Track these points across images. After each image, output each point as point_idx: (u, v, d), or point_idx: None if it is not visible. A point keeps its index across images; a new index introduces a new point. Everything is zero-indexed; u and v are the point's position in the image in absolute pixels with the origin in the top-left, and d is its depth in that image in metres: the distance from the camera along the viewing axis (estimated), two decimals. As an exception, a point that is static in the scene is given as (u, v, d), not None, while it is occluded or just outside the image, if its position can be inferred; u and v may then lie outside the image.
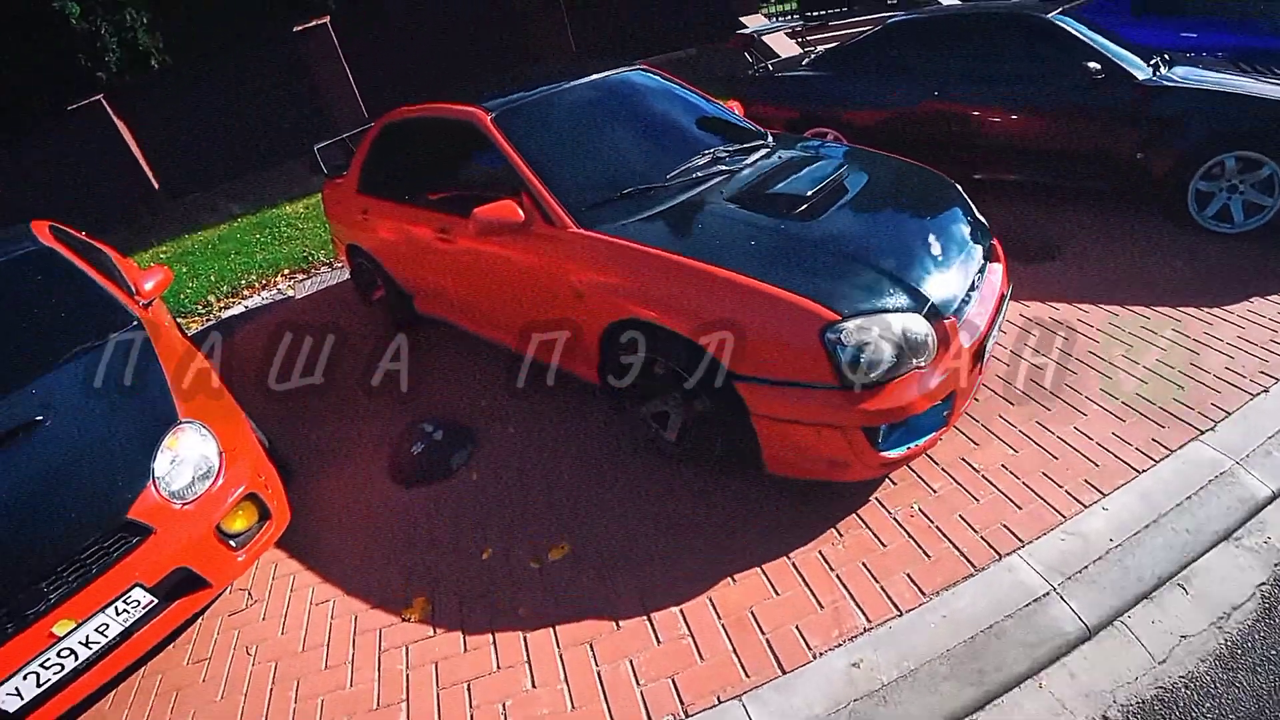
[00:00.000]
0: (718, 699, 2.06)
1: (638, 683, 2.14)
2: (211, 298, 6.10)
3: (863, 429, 2.27)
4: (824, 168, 3.03)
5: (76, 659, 2.36)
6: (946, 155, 4.50)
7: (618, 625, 2.31)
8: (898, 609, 2.22)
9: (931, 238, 2.67)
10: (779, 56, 7.22)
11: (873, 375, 2.22)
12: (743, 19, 9.92)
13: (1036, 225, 4.42)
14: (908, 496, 2.59)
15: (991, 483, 2.59)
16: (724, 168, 3.11)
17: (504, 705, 2.16)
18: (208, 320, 5.83)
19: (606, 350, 2.83)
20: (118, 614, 2.41)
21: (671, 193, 2.94)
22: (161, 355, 3.07)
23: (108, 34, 8.97)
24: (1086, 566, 2.28)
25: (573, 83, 3.54)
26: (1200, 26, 5.77)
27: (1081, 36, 4.30)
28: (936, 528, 2.45)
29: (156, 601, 2.49)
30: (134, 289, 3.64)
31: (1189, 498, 2.44)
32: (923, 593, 2.26)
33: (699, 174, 3.05)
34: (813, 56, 5.91)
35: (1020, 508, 2.48)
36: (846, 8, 10.56)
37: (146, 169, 9.73)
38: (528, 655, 2.29)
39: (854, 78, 5.20)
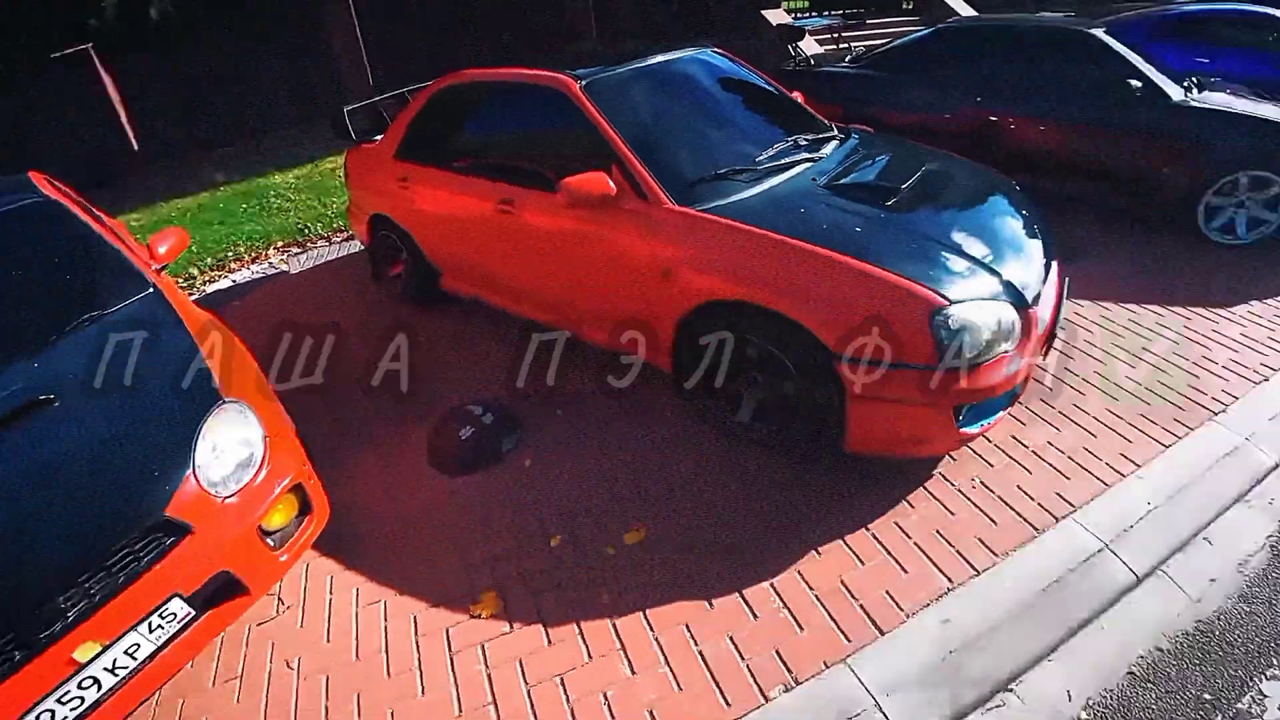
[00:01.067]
0: (825, 664, 2.07)
1: (741, 658, 2.12)
2: (194, 270, 5.55)
3: (952, 407, 2.37)
4: (904, 160, 3.17)
5: (100, 689, 1.99)
6: (982, 161, 4.72)
7: (710, 605, 2.29)
8: (975, 569, 2.32)
9: (1012, 231, 2.83)
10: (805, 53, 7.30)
11: (969, 358, 2.32)
12: (764, 12, 9.89)
13: (1061, 230, 4.70)
14: (968, 471, 2.72)
15: (1041, 457, 2.77)
16: (807, 154, 3.15)
17: (605, 695, 2.08)
18: (191, 294, 5.29)
19: (683, 335, 2.80)
20: (151, 631, 2.08)
21: (762, 176, 2.94)
22: (188, 324, 2.75)
23: None
24: (1131, 526, 2.48)
25: (657, 58, 3.48)
26: (1214, 53, 6.36)
27: (1126, 54, 4.59)
28: (998, 497, 2.59)
29: (194, 614, 2.20)
30: (148, 251, 3.25)
31: (1208, 469, 2.72)
32: (995, 554, 2.37)
33: (788, 159, 3.08)
34: (855, 54, 6.09)
35: (1068, 478, 2.66)
36: (865, 9, 10.94)
37: (128, 127, 8.75)
38: (620, 642, 2.22)
39: (901, 78, 5.33)
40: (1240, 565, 2.44)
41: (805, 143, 3.26)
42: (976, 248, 2.60)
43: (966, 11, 10.19)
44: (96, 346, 2.61)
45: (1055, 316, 2.77)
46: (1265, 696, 2.02)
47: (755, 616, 2.23)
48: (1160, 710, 1.99)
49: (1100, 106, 4.56)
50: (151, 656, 2.09)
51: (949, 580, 2.30)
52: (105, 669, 1.99)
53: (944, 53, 5.35)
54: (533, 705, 2.09)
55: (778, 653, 2.12)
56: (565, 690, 2.12)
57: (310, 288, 5.17)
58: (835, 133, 3.50)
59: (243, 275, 5.65)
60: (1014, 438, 2.88)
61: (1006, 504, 2.56)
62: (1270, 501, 2.65)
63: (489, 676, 2.20)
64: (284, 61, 9.10)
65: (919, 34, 5.66)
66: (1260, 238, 4.35)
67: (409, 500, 2.94)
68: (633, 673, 2.13)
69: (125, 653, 2.03)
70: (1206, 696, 2.03)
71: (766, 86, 3.81)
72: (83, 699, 1.96)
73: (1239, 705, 2.00)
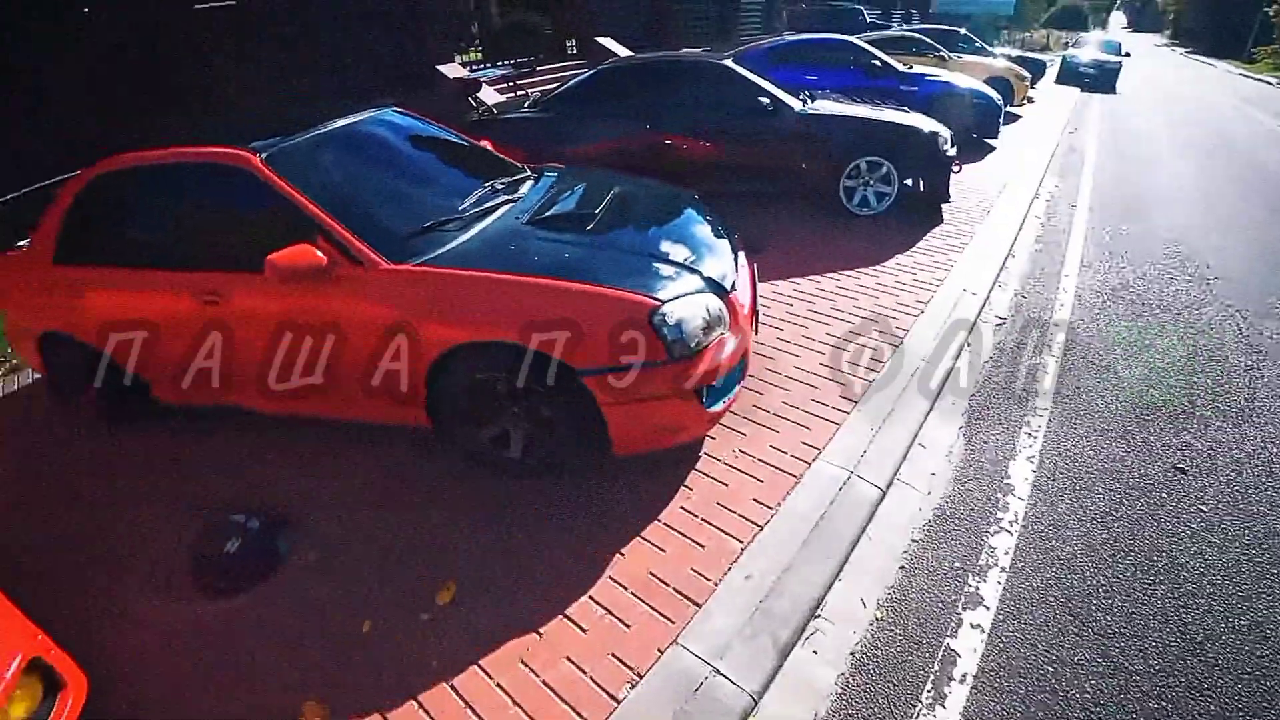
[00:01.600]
0: (659, 651, 2.25)
1: (583, 672, 2.21)
2: None
3: (695, 392, 2.69)
4: (595, 188, 3.51)
5: None
6: (661, 177, 5.35)
7: (539, 634, 2.34)
8: (758, 525, 2.69)
9: (701, 234, 3.30)
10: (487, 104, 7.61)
11: (693, 346, 2.66)
12: (440, 67, 9.97)
13: (741, 228, 5.47)
14: (728, 445, 3.12)
15: (781, 417, 3.30)
16: (505, 196, 3.34)
17: (456, 755, 2.06)
18: None
19: (434, 387, 2.83)
20: None
21: (468, 222, 3.06)
22: None
23: None
24: (864, 451, 3.04)
25: (338, 122, 3.41)
26: (815, 71, 8.46)
27: (752, 79, 5.94)
28: (758, 459, 3.02)
29: None
30: None
31: (904, 389, 3.52)
32: (769, 508, 2.76)
33: (489, 203, 3.23)
34: (530, 100, 6.57)
35: (808, 428, 3.20)
36: (535, 57, 11.52)
37: None
38: (464, 700, 2.19)
39: (574, 117, 6.01)
40: (948, 456, 3.10)
41: (502, 186, 3.49)
42: (675, 252, 3.03)
43: (623, 53, 11.91)
44: None
45: (754, 297, 3.30)
46: (994, 549, 2.63)
47: (583, 630, 2.34)
48: (928, 588, 2.53)
49: (744, 121, 5.88)
50: None
51: (739, 541, 2.62)
52: None
53: (609, 89, 6.25)
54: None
55: (614, 655, 2.24)
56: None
57: None
58: (528, 173, 3.81)
59: None
60: (755, 406, 3.39)
61: (766, 463, 2.99)
62: (952, 403, 3.40)
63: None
64: None
65: (584, 75, 6.45)
66: (888, 206, 5.95)
67: (189, 641, 2.57)
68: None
69: None
70: (956, 564, 2.57)
71: (454, 138, 4.02)
72: None
73: (978, 561, 2.56)
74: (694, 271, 2.91)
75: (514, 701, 2.16)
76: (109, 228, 3.34)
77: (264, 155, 2.94)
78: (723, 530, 2.67)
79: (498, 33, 12.20)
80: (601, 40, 12.50)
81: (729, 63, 6.09)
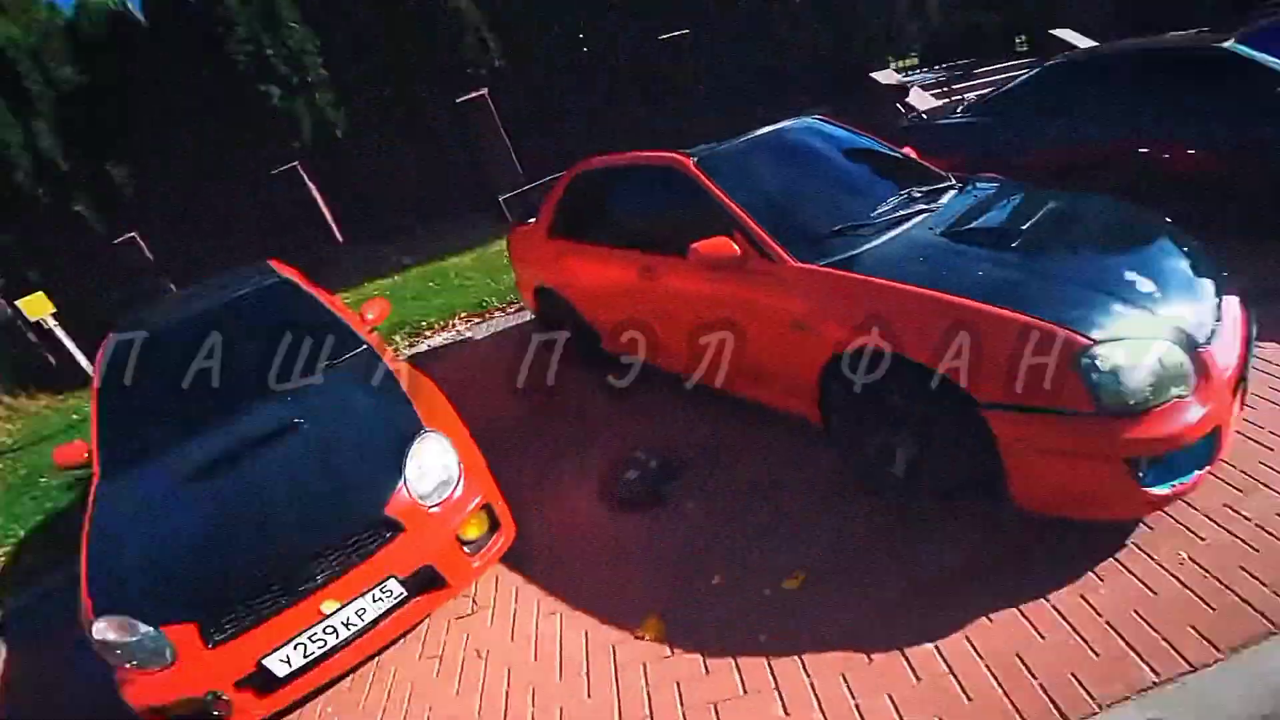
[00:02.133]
0: (996, 744, 1.94)
1: (900, 718, 2.05)
2: (397, 337, 6.58)
3: (1125, 461, 2.15)
4: (1028, 203, 3.05)
5: (337, 637, 2.58)
6: (1129, 195, 4.32)
7: (869, 659, 2.25)
8: (1189, 664, 2.04)
9: (1164, 267, 2.59)
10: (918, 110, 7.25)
11: (1131, 402, 2.12)
12: (873, 74, 10.05)
13: (1240, 269, 4.06)
14: (1170, 543, 2.40)
15: (1270, 533, 2.36)
16: (923, 206, 3.15)
17: (758, 732, 2.12)
18: (397, 357, 6.29)
19: (827, 386, 2.85)
20: (374, 600, 2.60)
21: (880, 229, 2.99)
22: (395, 372, 3.33)
23: (300, 111, 10.23)
24: None
25: (762, 130, 3.75)
26: None
27: (1270, 62, 4.03)
28: (1214, 578, 2.24)
29: (406, 594, 2.65)
30: (360, 317, 4.00)
31: None
32: (1217, 649, 2.06)
33: (903, 211, 3.10)
34: (966, 104, 5.93)
35: None
36: (971, 59, 10.64)
37: (332, 223, 10.92)
38: (775, 682, 2.26)
39: (1017, 122, 5.12)
40: None
41: (920, 194, 3.24)
42: (1124, 285, 2.40)
43: (1084, 44, 9.33)
44: (331, 386, 3.39)
45: (1244, 359, 2.42)
46: None
47: (918, 678, 2.15)
48: None
49: (1254, 121, 3.97)
50: (374, 622, 2.66)
51: (1154, 673, 2.04)
52: (341, 623, 2.58)
53: (1060, 88, 4.98)
54: (686, 730, 2.19)
55: (940, 718, 2.03)
56: (719, 718, 2.19)
57: (492, 350, 5.90)
58: (952, 182, 3.43)
59: (436, 340, 6.62)
60: (1230, 507, 2.47)
61: (1226, 587, 2.20)
62: None
63: (648, 694, 2.36)
64: (446, 158, 10.67)
65: (1031, 74, 5.30)
66: None
67: (583, 531, 3.25)
68: (785, 713, 2.16)
69: (355, 613, 2.61)
70: None
71: (874, 145, 3.87)
72: (325, 641, 2.57)
73: None
74: (1149, 312, 2.29)
75: (819, 706, 2.14)
76: (581, 212, 4.37)
77: (696, 159, 3.41)
78: (1133, 648, 2.11)
79: (936, 33, 11.12)
80: (1058, 32, 10.18)
81: (1238, 46, 4.19)
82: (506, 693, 2.55)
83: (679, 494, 3.27)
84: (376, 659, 2.90)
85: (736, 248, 3.00)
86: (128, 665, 2.51)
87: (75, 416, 8.87)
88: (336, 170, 10.81)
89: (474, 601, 3.04)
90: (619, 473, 3.34)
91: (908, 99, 7.48)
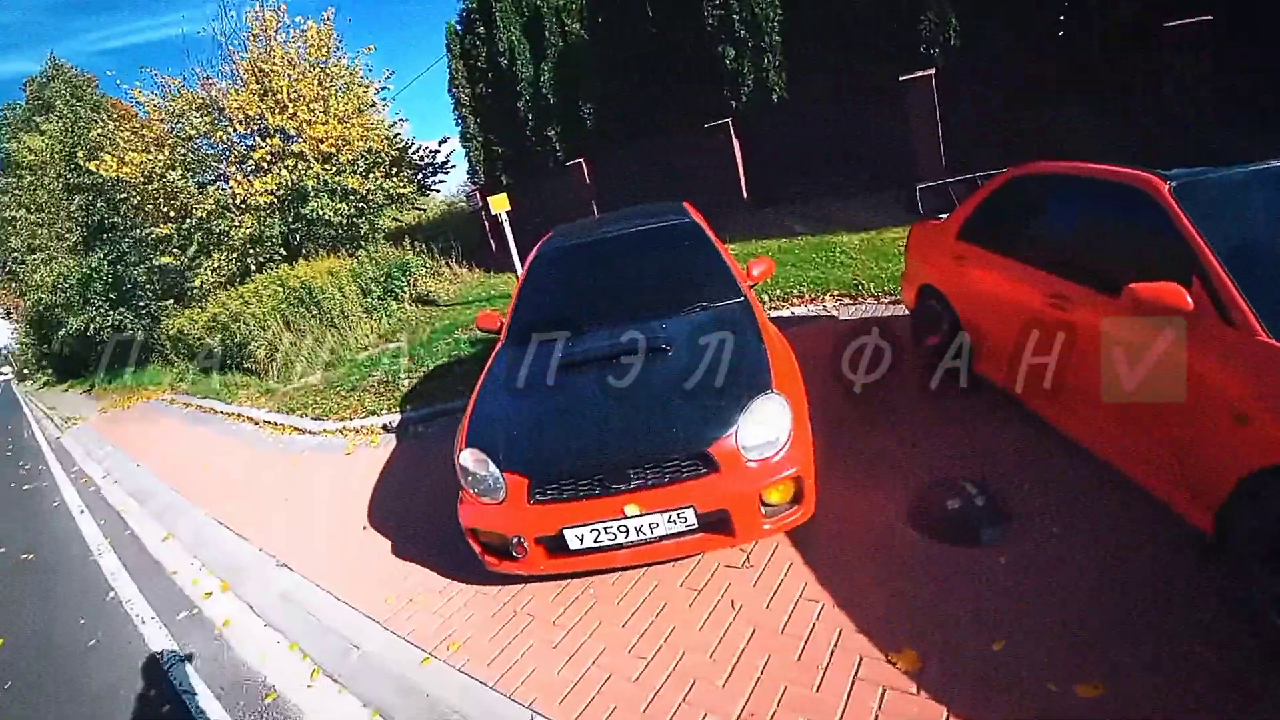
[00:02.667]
0: None
1: None
2: (765, 296, 6.95)
3: None
4: None
5: (626, 537, 2.98)
6: None
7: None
8: None
9: None
10: None
11: None
12: None
13: None
14: None
15: None
16: None
17: None
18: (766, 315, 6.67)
19: (1238, 496, 2.26)
20: (669, 521, 2.92)
21: None
22: (762, 329, 3.57)
23: (748, 72, 11.03)
24: None
25: (1275, 163, 2.80)
26: None
27: None
28: None
29: (695, 527, 2.94)
30: (746, 271, 4.33)
31: None
32: None
33: None
34: None
35: None
36: None
37: (742, 179, 11.89)
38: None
39: None
40: None
41: None
42: None
43: None
44: (702, 325, 3.73)
45: None
46: None
47: None
48: None
49: None
50: (660, 539, 3.00)
51: None
52: (635, 528, 2.97)
53: None
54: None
55: None
56: (939, 781, 2.06)
57: (852, 331, 5.77)
58: None
59: (800, 310, 6.74)
60: None
61: None
62: None
63: (877, 717, 2.29)
64: (872, 136, 10.04)
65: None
66: None
67: (878, 542, 3.14)
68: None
69: (649, 524, 2.97)
70: None
71: None
72: (615, 536, 2.99)
73: None
74: None
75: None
76: (1005, 219, 3.92)
77: (1173, 185, 2.73)
78: None
79: None
80: None
81: None
82: (743, 650, 2.73)
83: (999, 542, 2.96)
84: (645, 569, 3.33)
85: (1190, 300, 2.46)
86: (472, 491, 3.21)
87: (493, 293, 11.36)
88: (763, 132, 11.59)
89: (748, 558, 3.25)
90: (940, 498, 3.12)
91: None
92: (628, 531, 2.97)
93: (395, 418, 6.67)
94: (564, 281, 4.58)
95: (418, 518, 4.60)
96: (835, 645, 2.62)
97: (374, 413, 7.03)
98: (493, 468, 3.14)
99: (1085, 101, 8.28)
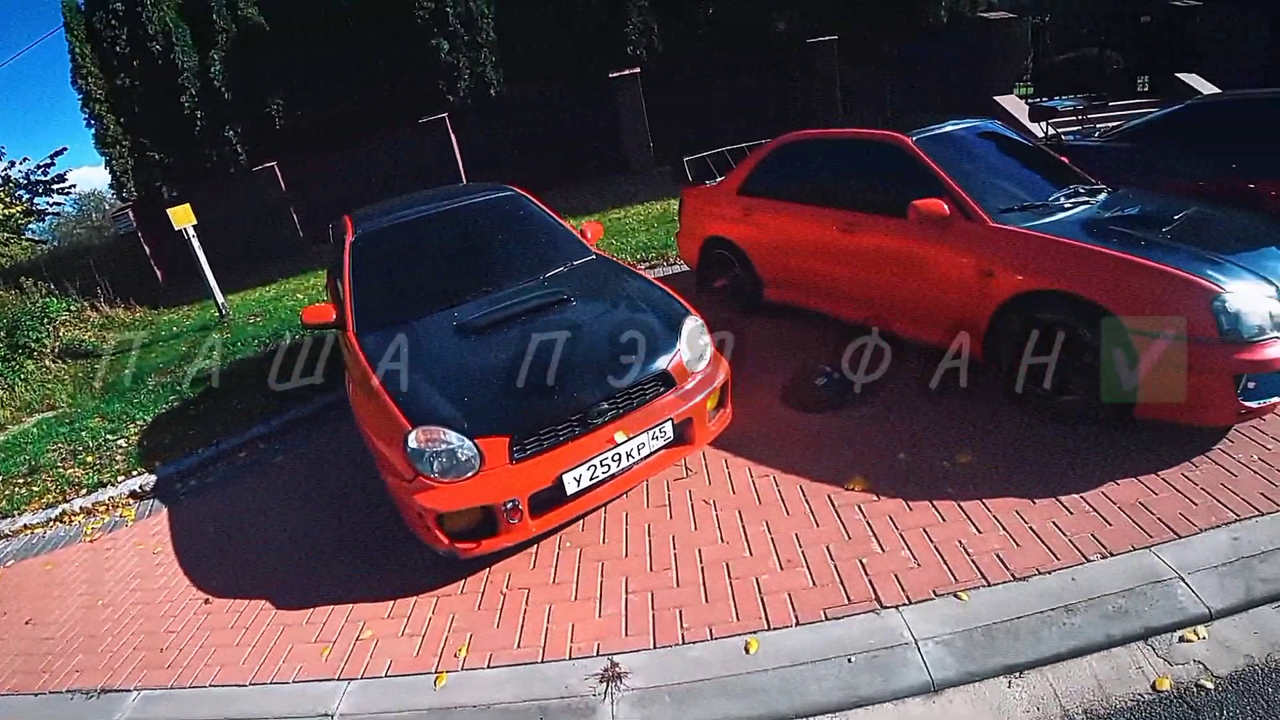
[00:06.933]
0: (1132, 546, 2.83)
1: (1064, 534, 2.95)
2: None
3: (1233, 377, 3.07)
4: (1174, 205, 3.98)
5: (619, 464, 3.29)
6: None
7: (1033, 502, 3.16)
8: (1259, 511, 2.94)
9: (1269, 247, 3.52)
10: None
11: (1245, 336, 3.05)
12: (997, 98, 11.74)
13: None
14: (1247, 451, 3.29)
15: None
16: (1087, 198, 4.11)
17: (961, 543, 3.01)
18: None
19: (997, 322, 3.77)
20: (652, 438, 3.37)
21: (1055, 209, 3.95)
22: (639, 272, 4.11)
23: (464, 66, 11.35)
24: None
25: (966, 123, 4.68)
26: None
27: None
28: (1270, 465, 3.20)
29: (670, 439, 3.43)
30: (581, 234, 4.81)
31: None
32: (1277, 504, 3.00)
33: (1073, 200, 4.07)
34: (1100, 131, 6.87)
35: None
36: (1099, 92, 11.85)
37: (464, 178, 12.00)
38: (965, 515, 3.14)
39: (1150, 153, 5.75)
40: None
41: (1083, 190, 4.21)
42: (1252, 261, 3.31)
43: (1209, 89, 10.70)
44: (584, 276, 4.19)
45: None
46: None
47: (1070, 512, 3.07)
48: None
49: None
50: (645, 457, 3.39)
51: (1234, 514, 2.94)
52: (626, 453, 3.32)
53: (1199, 125, 5.71)
54: (906, 544, 3.05)
55: (1094, 535, 2.93)
56: (929, 536, 3.06)
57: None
58: (1104, 187, 4.37)
59: None
60: None
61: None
62: None
63: (869, 524, 3.21)
64: (585, 127, 11.93)
65: (1171, 109, 6.05)
66: None
67: (774, 425, 4.10)
68: (979, 531, 3.04)
69: (637, 446, 3.34)
70: None
71: (1044, 149, 4.85)
72: (609, 466, 3.30)
73: None
74: (1267, 281, 3.20)
75: (1002, 526, 3.03)
76: (782, 176, 5.24)
77: (915, 138, 4.33)
78: (1218, 500, 3.01)
79: (1053, 67, 12.59)
80: (1184, 77, 11.63)
81: None
82: (743, 527, 3.38)
83: (855, 401, 4.17)
84: (606, 507, 3.63)
85: (947, 208, 3.90)
86: (431, 474, 3.02)
87: (187, 326, 9.50)
88: (481, 128, 11.87)
89: (688, 468, 3.85)
90: (809, 379, 4.15)
91: (1042, 122, 8.46)
92: (620, 459, 3.26)
93: (145, 479, 5.14)
94: (404, 259, 4.40)
95: (290, 561, 3.90)
96: (805, 496, 3.45)
97: (102, 484, 5.27)
98: (456, 438, 3.06)
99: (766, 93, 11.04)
